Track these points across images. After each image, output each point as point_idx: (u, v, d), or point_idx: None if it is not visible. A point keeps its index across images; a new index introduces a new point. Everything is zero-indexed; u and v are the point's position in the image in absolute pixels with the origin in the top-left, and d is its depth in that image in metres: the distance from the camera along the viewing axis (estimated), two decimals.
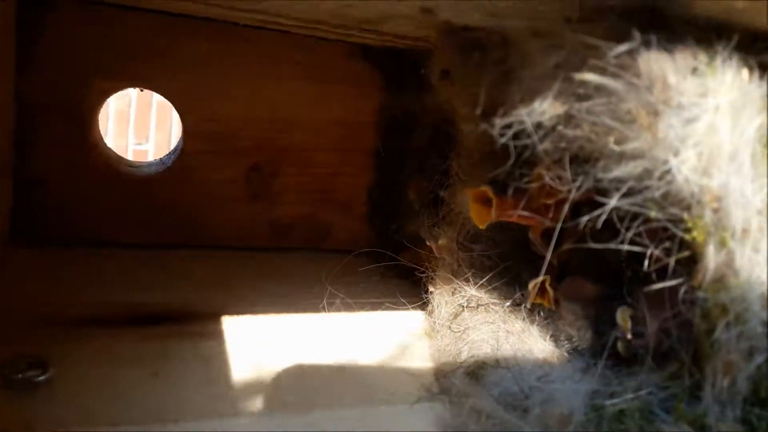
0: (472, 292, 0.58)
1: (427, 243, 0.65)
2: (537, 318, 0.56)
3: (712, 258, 0.32)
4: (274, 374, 0.55)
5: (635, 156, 0.31)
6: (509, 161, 0.41)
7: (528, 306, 0.56)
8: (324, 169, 0.77)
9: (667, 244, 0.35)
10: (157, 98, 1.66)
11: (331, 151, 0.77)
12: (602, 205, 0.34)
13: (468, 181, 0.54)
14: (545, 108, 0.31)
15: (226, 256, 0.76)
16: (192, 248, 0.76)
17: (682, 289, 0.35)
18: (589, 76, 0.30)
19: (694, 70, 0.30)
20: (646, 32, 0.29)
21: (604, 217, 0.33)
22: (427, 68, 0.56)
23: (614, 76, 0.30)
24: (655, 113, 0.30)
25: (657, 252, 0.34)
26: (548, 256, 0.48)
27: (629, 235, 0.34)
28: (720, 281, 0.32)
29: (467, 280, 0.59)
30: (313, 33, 0.70)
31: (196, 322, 0.61)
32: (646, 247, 0.36)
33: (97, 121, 0.72)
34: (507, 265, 0.59)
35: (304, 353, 0.58)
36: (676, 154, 0.30)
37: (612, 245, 0.35)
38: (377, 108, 0.76)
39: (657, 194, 0.32)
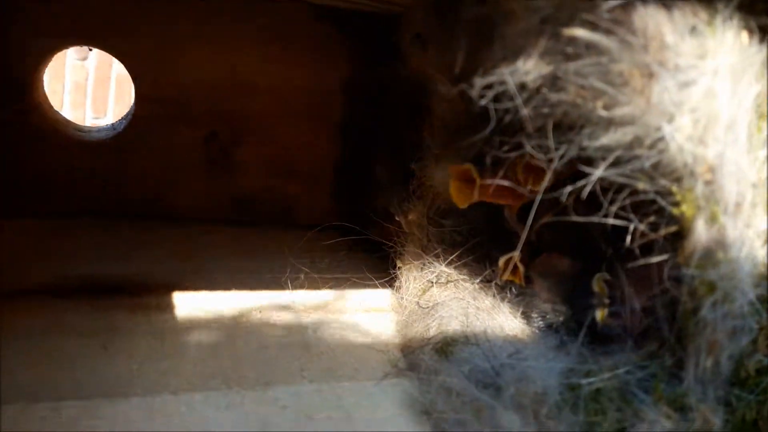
0: (441, 268, 0.56)
1: (396, 218, 0.63)
2: (508, 295, 0.54)
3: (701, 233, 0.31)
4: (232, 350, 0.52)
5: (625, 122, 0.29)
6: (488, 127, 0.39)
7: (499, 283, 0.54)
8: (288, 139, 0.74)
9: (652, 218, 0.33)
10: (117, 70, 1.59)
11: (295, 120, 0.73)
12: (586, 176, 0.32)
13: (442, 154, 0.52)
14: (529, 67, 0.29)
15: (184, 229, 0.72)
16: (149, 219, 0.72)
17: (668, 266, 0.33)
18: (579, 32, 0.28)
19: (693, 29, 0.28)
20: None
21: (588, 188, 0.30)
22: (398, 33, 0.53)
23: (606, 32, 0.28)
24: (650, 75, 0.28)
25: (641, 227, 0.32)
26: (524, 233, 0.46)
27: (613, 208, 0.32)
28: (709, 258, 0.30)
29: (437, 256, 0.57)
30: None
31: (150, 295, 0.58)
32: (630, 221, 0.34)
33: (41, 81, 0.68)
34: (478, 240, 0.57)
35: (264, 329, 0.56)
36: (671, 120, 0.28)
37: (594, 219, 0.33)
38: (345, 76, 0.72)
39: (647, 164, 0.30)
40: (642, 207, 0.34)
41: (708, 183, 0.29)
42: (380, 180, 0.70)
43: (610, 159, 0.31)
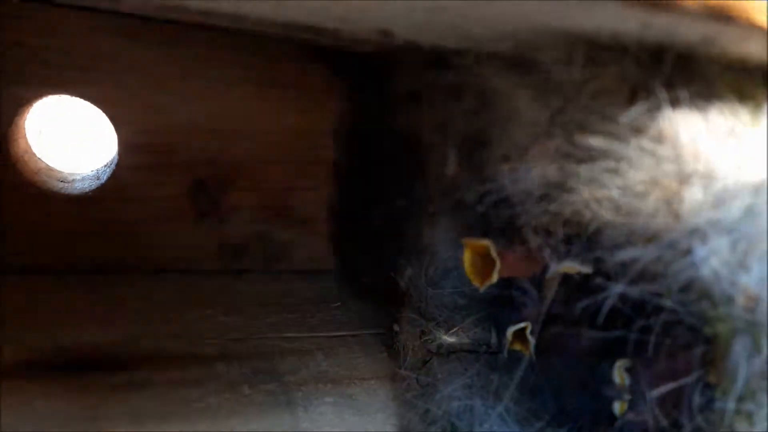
0: (443, 338, 0.51)
1: (392, 274, 0.58)
2: (516, 369, 0.49)
3: (739, 359, 0.26)
4: None
5: (648, 237, 0.25)
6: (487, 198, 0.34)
7: (506, 355, 0.50)
8: (278, 183, 0.69)
9: (678, 330, 0.29)
10: None
11: (285, 163, 0.69)
12: (603, 288, 0.27)
13: (437, 215, 0.47)
14: (533, 175, 0.24)
15: (170, 282, 0.68)
16: (132, 273, 0.68)
17: (696, 390, 0.28)
18: (594, 141, 0.23)
19: (732, 133, 0.23)
20: (671, 83, 0.23)
21: (606, 307, 0.26)
22: (393, 83, 0.49)
23: (626, 140, 0.23)
24: (679, 187, 0.23)
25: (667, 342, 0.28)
26: (545, 304, 0.41)
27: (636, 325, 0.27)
28: (750, 391, 0.26)
29: (437, 324, 0.52)
30: (262, 31, 0.61)
31: (132, 370, 0.54)
32: (650, 331, 0.30)
33: (21, 132, 0.63)
34: (482, 306, 0.52)
35: (250, 409, 0.51)
36: (704, 240, 0.23)
37: (614, 333, 0.28)
38: (338, 116, 0.68)
39: (674, 285, 0.25)
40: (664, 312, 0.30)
41: (749, 310, 0.24)
42: (376, 229, 0.65)
43: (630, 275, 0.26)
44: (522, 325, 0.49)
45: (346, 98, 0.66)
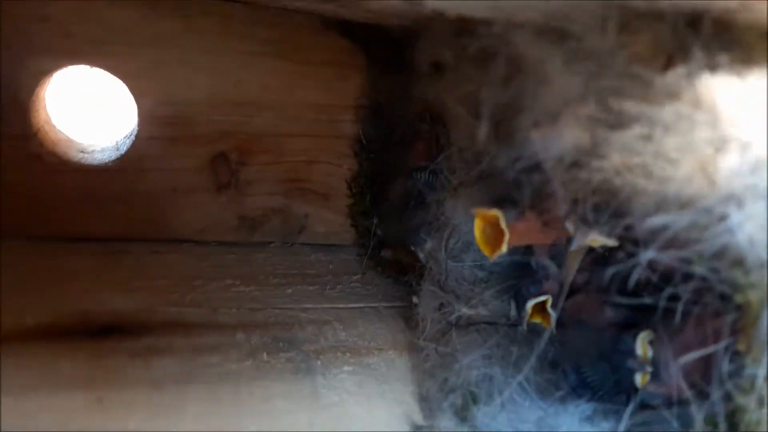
0: (462, 309, 0.51)
1: (412, 247, 0.58)
2: (536, 341, 0.49)
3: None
4: (235, 401, 0.49)
5: (682, 203, 0.25)
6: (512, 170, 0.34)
7: (525, 328, 0.50)
8: (299, 156, 0.69)
9: (708, 297, 0.29)
10: None
11: (306, 136, 0.69)
12: (632, 255, 0.27)
13: (460, 187, 0.47)
14: (564, 142, 0.24)
15: (190, 254, 0.68)
16: (152, 242, 0.68)
17: (726, 355, 0.28)
18: (628, 106, 0.23)
19: None
20: (709, 48, 0.22)
21: (635, 274, 0.26)
22: (416, 55, 0.48)
23: (662, 104, 0.23)
24: (714, 153, 0.23)
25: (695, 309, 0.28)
26: (568, 278, 0.41)
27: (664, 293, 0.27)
28: None
29: (457, 295, 0.52)
30: (284, 4, 0.61)
31: (151, 335, 0.54)
32: (679, 298, 0.30)
33: (42, 102, 0.64)
34: (502, 278, 0.53)
35: (271, 375, 0.52)
36: (740, 206, 0.23)
37: (643, 300, 0.28)
38: (359, 90, 0.68)
39: (707, 251, 0.25)
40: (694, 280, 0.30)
41: None
42: (396, 202, 0.65)
43: (661, 241, 0.26)
44: (542, 298, 0.49)
45: (368, 72, 0.66)
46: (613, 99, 0.23)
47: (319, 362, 0.54)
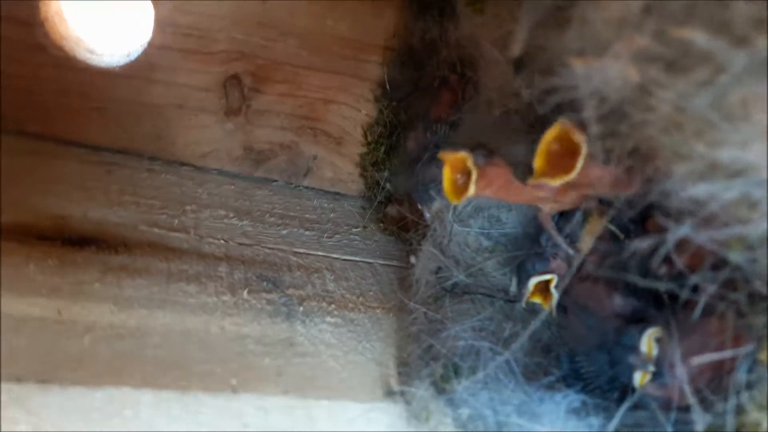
0: (460, 276, 0.47)
1: (419, 206, 0.54)
2: (532, 323, 0.45)
3: None
4: (205, 337, 0.45)
5: (733, 172, 0.20)
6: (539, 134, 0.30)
7: (523, 305, 0.46)
8: (316, 93, 0.65)
9: (736, 294, 0.24)
10: None
11: (327, 72, 0.65)
12: (662, 229, 0.23)
13: (483, 146, 0.43)
14: (614, 72, 0.20)
15: (187, 176, 0.65)
16: (150, 160, 0.65)
17: (745, 364, 0.24)
18: (694, 37, 0.19)
19: None
20: None
21: (663, 251, 0.22)
22: None
23: (742, 42, 0.19)
24: None
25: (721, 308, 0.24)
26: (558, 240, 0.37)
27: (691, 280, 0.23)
28: None
29: (457, 261, 0.48)
30: None
31: (128, 254, 0.51)
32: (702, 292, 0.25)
33: None
34: (508, 249, 0.49)
35: (247, 314, 0.49)
36: None
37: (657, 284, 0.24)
38: (391, 30, 0.63)
39: (751, 234, 0.21)
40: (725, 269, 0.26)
41: None
42: (410, 156, 0.61)
43: (701, 215, 0.22)
44: (547, 277, 0.45)
45: (404, 11, 0.61)
46: (678, 29, 0.19)
47: (301, 309, 0.51)
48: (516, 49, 0.25)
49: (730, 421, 0.24)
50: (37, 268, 0.47)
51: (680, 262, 0.24)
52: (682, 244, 0.24)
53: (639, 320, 0.37)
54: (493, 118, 0.42)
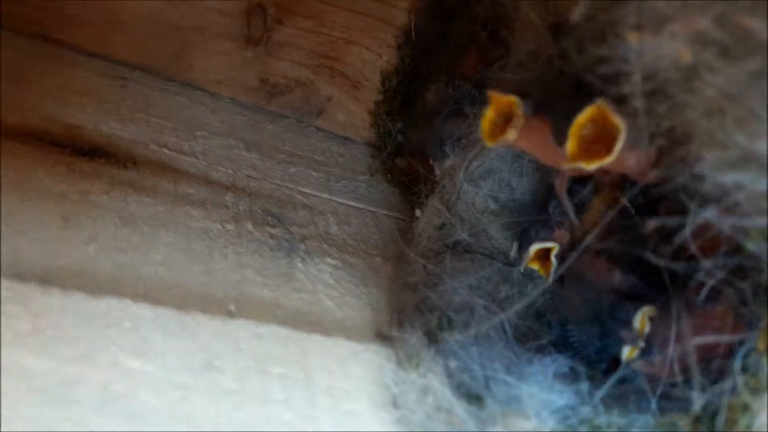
0: (463, 235, 0.48)
1: (431, 160, 0.54)
2: (530, 287, 0.46)
3: None
4: (207, 260, 0.46)
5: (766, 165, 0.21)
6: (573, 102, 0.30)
7: (522, 270, 0.47)
8: (339, 32, 0.64)
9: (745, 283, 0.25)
10: None
11: (354, 12, 0.64)
12: (684, 210, 0.23)
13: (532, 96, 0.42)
14: (668, 51, 0.20)
15: (200, 101, 0.64)
16: (165, 80, 0.64)
17: (742, 350, 0.25)
18: (758, 24, 0.19)
19: None
20: None
21: (684, 233, 0.22)
22: None
23: None
24: None
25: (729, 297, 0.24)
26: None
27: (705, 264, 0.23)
28: None
29: (462, 219, 0.49)
30: None
31: (138, 170, 0.51)
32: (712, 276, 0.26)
33: None
34: (514, 215, 0.49)
35: (250, 244, 0.49)
36: None
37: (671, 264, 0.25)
38: None
39: None
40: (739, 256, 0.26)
41: None
42: (428, 109, 0.61)
43: (726, 202, 0.22)
44: (549, 244, 0.46)
45: None
46: (742, 16, 0.19)
47: (303, 246, 0.52)
48: (577, 14, 0.25)
49: (725, 402, 0.25)
50: (45, 173, 0.47)
51: (694, 246, 0.25)
52: (699, 229, 0.25)
53: (636, 298, 0.38)
54: (524, 81, 0.42)
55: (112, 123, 0.55)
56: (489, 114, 0.39)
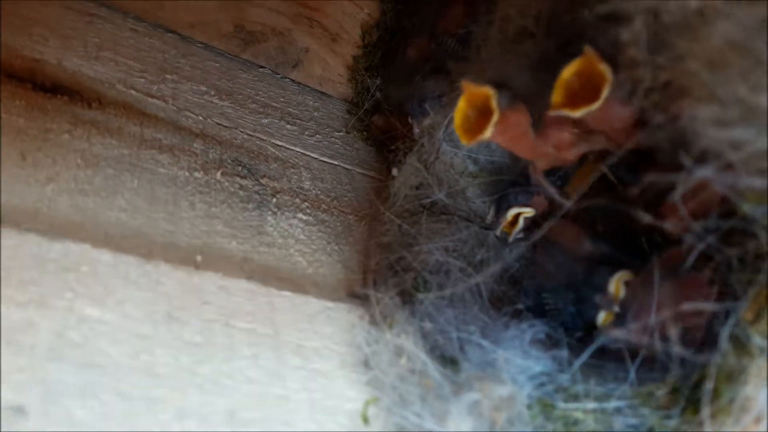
0: (440, 195, 0.47)
1: (410, 119, 0.53)
2: (505, 253, 0.45)
3: None
4: (173, 209, 0.44)
5: None
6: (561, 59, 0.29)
7: (498, 234, 0.46)
8: None
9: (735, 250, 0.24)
10: None
11: None
12: (678, 167, 0.22)
13: (490, 62, 0.41)
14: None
15: (171, 44, 0.61)
16: (136, 20, 0.61)
17: (730, 321, 0.24)
18: None
19: None
20: None
21: (680, 191, 0.21)
22: None
23: None
24: None
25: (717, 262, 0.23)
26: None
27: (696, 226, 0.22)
28: None
29: (440, 180, 0.47)
30: None
31: (103, 110, 0.49)
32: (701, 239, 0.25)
33: None
34: (493, 177, 0.48)
35: (218, 195, 0.47)
36: None
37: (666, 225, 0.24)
38: None
39: None
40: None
41: None
42: (409, 66, 0.59)
43: (723, 160, 0.21)
44: (526, 210, 0.45)
45: None
46: None
47: (274, 200, 0.50)
48: None
49: (713, 372, 0.24)
50: (4, 108, 0.44)
51: (685, 209, 0.24)
52: (689, 192, 0.24)
53: (611, 263, 0.38)
54: (508, 42, 0.40)
55: (77, 60, 0.51)
56: (462, 106, 0.37)
